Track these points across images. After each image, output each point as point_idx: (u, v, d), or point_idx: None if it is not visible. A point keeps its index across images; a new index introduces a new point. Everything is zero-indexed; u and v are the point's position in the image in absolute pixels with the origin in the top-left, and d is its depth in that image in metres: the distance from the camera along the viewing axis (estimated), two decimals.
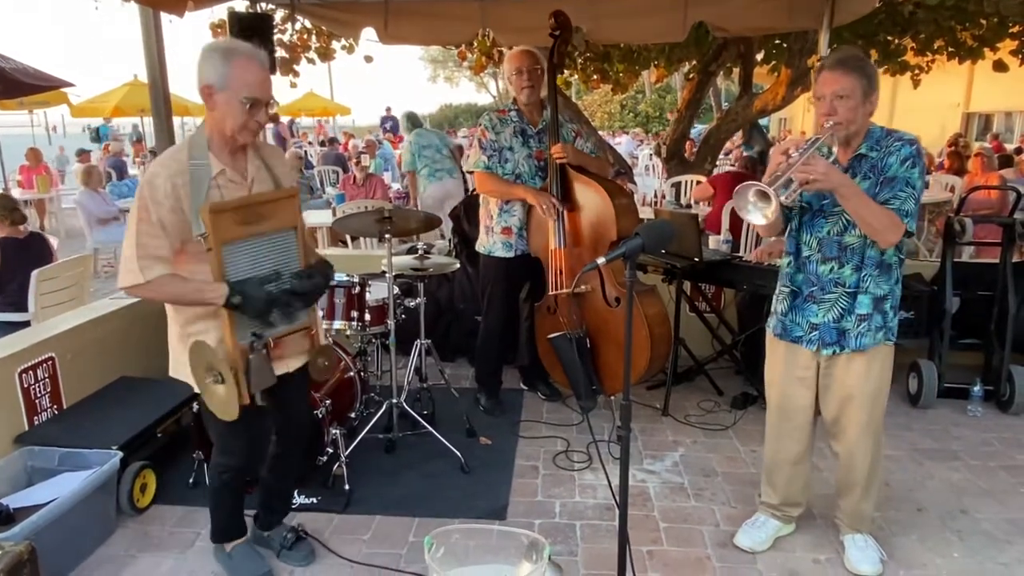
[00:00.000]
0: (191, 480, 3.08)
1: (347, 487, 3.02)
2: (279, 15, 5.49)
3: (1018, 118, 15.35)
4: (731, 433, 3.67)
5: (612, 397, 3.68)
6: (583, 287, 3.45)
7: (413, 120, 7.55)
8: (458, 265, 3.61)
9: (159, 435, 3.14)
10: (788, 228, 2.45)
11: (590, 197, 3.45)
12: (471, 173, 3.66)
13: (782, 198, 2.04)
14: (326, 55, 8.07)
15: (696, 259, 3.77)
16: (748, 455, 3.45)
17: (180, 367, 2.25)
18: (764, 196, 2.03)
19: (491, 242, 3.68)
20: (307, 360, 2.35)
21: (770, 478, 2.70)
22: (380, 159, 11.68)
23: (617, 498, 1.98)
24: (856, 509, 2.57)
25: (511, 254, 3.65)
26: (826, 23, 4.62)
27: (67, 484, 2.60)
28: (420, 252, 3.54)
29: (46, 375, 3.09)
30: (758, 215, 2.05)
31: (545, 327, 3.66)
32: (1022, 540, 2.74)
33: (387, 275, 3.25)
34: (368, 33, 4.91)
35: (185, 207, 2.04)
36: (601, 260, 1.81)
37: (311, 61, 8.19)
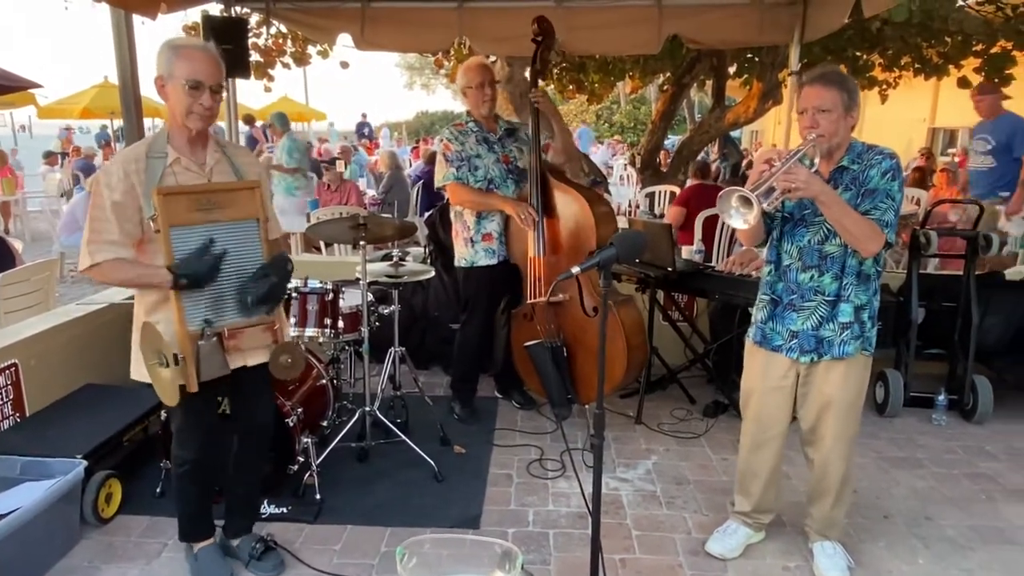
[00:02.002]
0: (158, 490, 3.02)
1: (318, 496, 2.99)
2: (254, 19, 5.45)
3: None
4: (703, 441, 3.70)
5: (587, 406, 3.70)
6: (561, 296, 3.47)
7: (284, 122, 8.00)
8: (433, 273, 3.59)
9: (125, 443, 3.08)
10: (769, 238, 2.49)
11: (569, 205, 3.47)
12: (442, 188, 3.66)
13: (764, 205, 2.09)
14: (301, 60, 8.04)
15: (669, 268, 3.81)
16: (720, 463, 3.48)
17: (140, 367, 2.28)
18: (747, 202, 2.07)
19: (473, 252, 3.66)
20: (269, 357, 2.34)
21: (744, 486, 2.72)
22: (356, 165, 11.63)
23: (590, 506, 1.98)
24: (827, 516, 2.61)
25: (495, 260, 3.65)
26: (796, 38, 4.73)
27: (29, 494, 2.53)
28: (395, 259, 3.52)
29: (8, 382, 3.02)
30: (740, 220, 2.09)
31: (522, 335, 3.66)
32: (984, 547, 2.80)
33: (361, 282, 3.22)
34: (344, 39, 4.90)
35: (139, 191, 2.14)
36: (576, 269, 1.83)
37: (286, 66, 8.15)
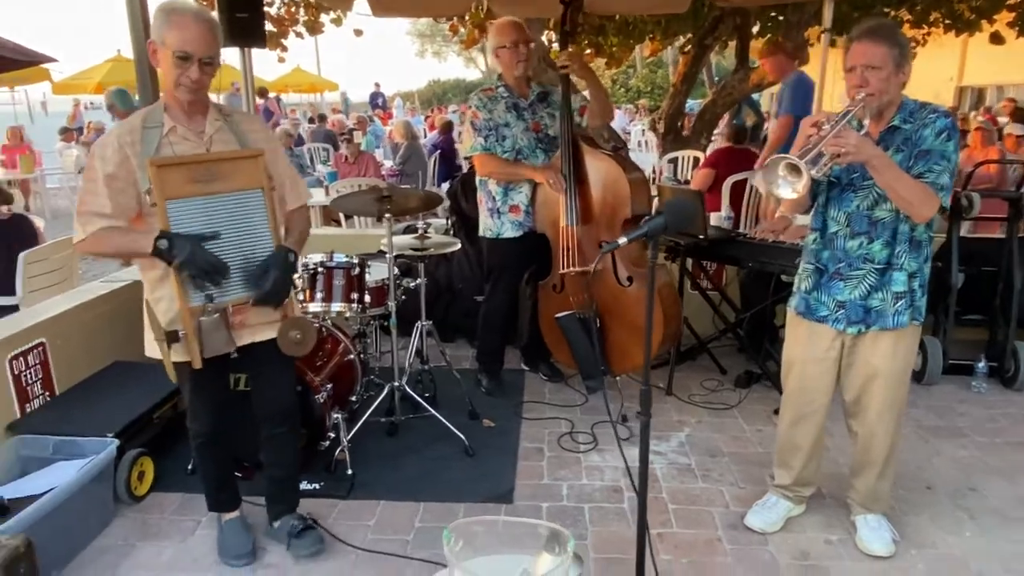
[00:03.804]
0: (189, 467, 3.00)
1: (350, 472, 2.97)
2: None
3: (1011, 92, 15.30)
4: (736, 412, 3.64)
5: (618, 378, 3.63)
6: (593, 265, 3.38)
7: (126, 100, 7.00)
8: (459, 245, 3.52)
9: (155, 421, 3.07)
10: (815, 204, 2.38)
11: (603, 173, 3.37)
12: (468, 159, 3.56)
13: (813, 172, 1.98)
14: (314, 28, 7.90)
15: (701, 236, 3.70)
16: (754, 434, 3.41)
17: (152, 345, 2.26)
18: (795, 170, 1.96)
19: (499, 224, 3.58)
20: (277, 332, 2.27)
21: (784, 459, 2.66)
22: (371, 136, 11.51)
23: (635, 483, 1.93)
24: (872, 489, 2.54)
25: (520, 233, 3.57)
26: None
27: (62, 473, 2.53)
28: (420, 232, 3.45)
29: (37, 361, 3.00)
30: (788, 189, 1.99)
31: (551, 306, 3.58)
32: None
33: (387, 256, 3.16)
34: (360, 6, 4.77)
35: (134, 163, 2.08)
36: (623, 240, 1.74)
37: (299, 35, 8.02)
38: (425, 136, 11.89)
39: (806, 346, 2.48)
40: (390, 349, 3.39)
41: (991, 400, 3.75)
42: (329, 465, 3.02)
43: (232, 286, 2.19)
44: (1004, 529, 2.66)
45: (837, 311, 2.38)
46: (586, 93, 3.59)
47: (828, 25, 4.62)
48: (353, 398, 3.37)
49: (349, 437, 3.05)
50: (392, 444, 3.29)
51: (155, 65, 2.17)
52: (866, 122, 2.25)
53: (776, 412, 3.58)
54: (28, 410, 2.95)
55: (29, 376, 2.96)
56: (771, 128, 5.30)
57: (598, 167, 3.41)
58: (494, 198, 3.59)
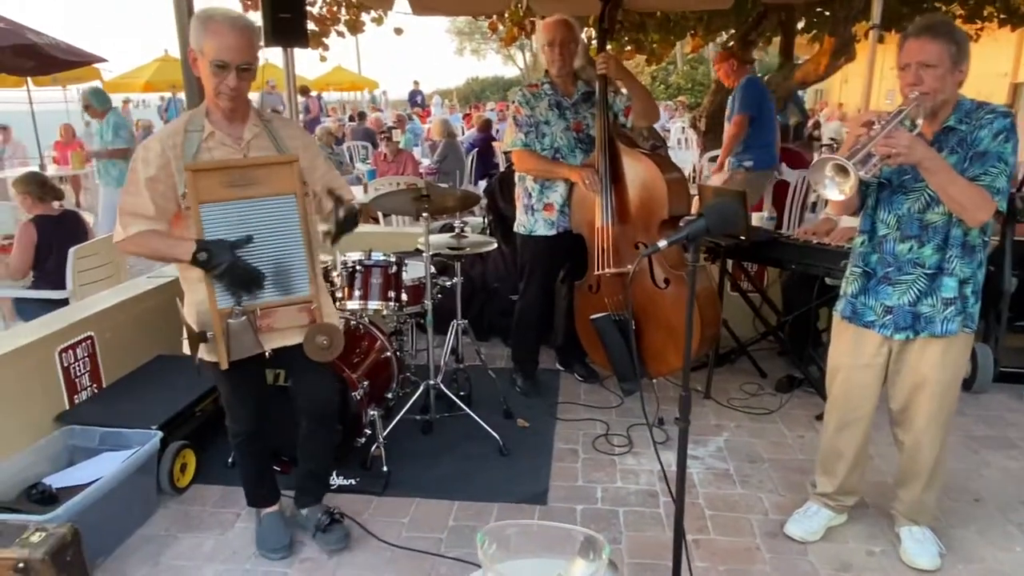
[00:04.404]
0: (230, 460, 3.06)
1: (385, 468, 2.99)
2: None
3: None
4: (776, 417, 3.56)
5: (655, 380, 3.59)
6: (629, 267, 3.34)
7: (103, 99, 6.81)
8: (495, 245, 3.51)
9: (197, 414, 3.13)
10: (864, 205, 2.31)
11: (640, 171, 3.33)
12: (508, 153, 3.55)
13: (861, 173, 1.92)
14: (355, 27, 7.96)
15: (742, 237, 3.63)
16: (795, 440, 3.34)
17: (186, 343, 2.32)
18: (842, 171, 1.91)
19: (532, 221, 3.57)
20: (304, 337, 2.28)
21: (827, 467, 2.59)
22: (410, 134, 11.58)
23: (672, 488, 1.90)
24: (917, 500, 2.47)
25: (554, 231, 3.55)
26: None
27: (108, 464, 2.60)
28: (457, 231, 3.45)
29: (86, 354, 3.09)
30: (835, 190, 1.93)
31: (587, 307, 3.56)
32: None
33: (424, 255, 3.17)
34: (400, 5, 4.79)
35: (174, 167, 2.13)
36: (663, 243, 1.71)
37: (340, 34, 8.10)
38: (463, 134, 11.93)
39: (852, 352, 2.42)
40: (425, 347, 3.41)
41: None
42: (365, 462, 3.05)
43: (263, 289, 2.22)
44: None
45: (884, 316, 2.31)
46: (626, 92, 3.55)
47: (877, 21, 4.49)
48: (389, 395, 3.39)
49: (384, 434, 3.07)
50: (427, 442, 3.31)
51: (195, 73, 2.19)
52: (919, 122, 2.18)
53: (819, 418, 3.52)
54: (76, 401, 3.04)
55: (78, 368, 3.05)
56: (727, 128, 5.45)
57: (635, 167, 3.37)
58: (530, 195, 3.58)
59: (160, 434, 2.75)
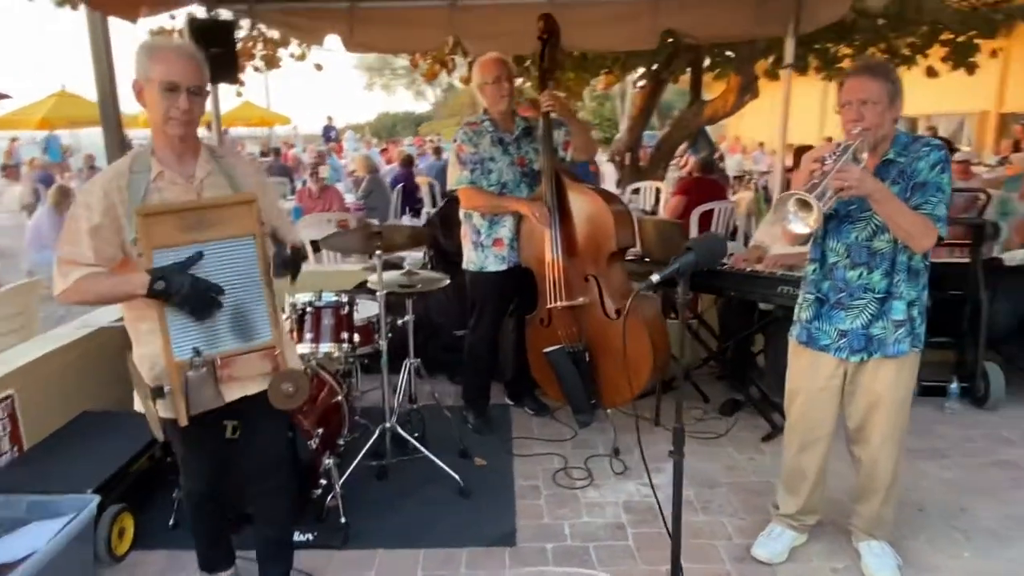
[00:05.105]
0: (171, 521, 2.85)
1: (343, 520, 2.85)
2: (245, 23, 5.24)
3: (941, 121, 16.15)
4: (726, 441, 3.65)
5: (609, 411, 3.62)
6: (581, 299, 3.37)
7: None
8: (448, 281, 3.47)
9: (133, 473, 2.90)
10: (813, 236, 2.43)
11: (586, 205, 3.39)
12: (454, 192, 3.55)
13: (821, 205, 2.02)
14: (271, 62, 7.82)
15: None
16: (747, 463, 3.43)
17: (139, 399, 2.13)
18: (805, 205, 2.00)
19: (483, 257, 3.56)
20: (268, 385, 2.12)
21: (791, 487, 2.67)
22: (332, 170, 11.38)
23: (668, 526, 1.90)
24: (876, 514, 2.57)
25: (504, 266, 3.55)
26: (791, 30, 4.71)
27: (41, 535, 2.35)
28: (407, 268, 3.39)
29: (5, 414, 2.82)
30: (800, 225, 2.02)
31: (539, 341, 3.55)
32: None
33: (379, 293, 3.09)
34: (332, 41, 4.74)
35: (120, 212, 1.98)
36: (655, 277, 1.73)
37: (257, 69, 7.93)
38: (383, 168, 11.82)
39: (809, 375, 2.51)
40: (372, 388, 3.30)
41: (965, 420, 3.86)
42: (320, 514, 2.90)
43: (221, 337, 2.06)
44: (1000, 548, 2.72)
45: (839, 340, 2.42)
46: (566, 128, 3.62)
47: (790, 60, 4.79)
48: (340, 442, 3.26)
49: (341, 483, 2.94)
50: (383, 488, 3.19)
51: (142, 105, 2.05)
52: (864, 156, 2.31)
53: (764, 440, 3.64)
54: None
55: None
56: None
57: (581, 200, 3.43)
58: (479, 231, 3.57)
59: (97, 498, 2.52)
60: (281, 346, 2.16)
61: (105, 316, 3.65)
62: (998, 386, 3.91)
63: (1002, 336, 4.07)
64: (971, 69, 8.29)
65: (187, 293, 1.93)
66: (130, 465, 2.88)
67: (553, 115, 3.40)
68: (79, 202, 2.00)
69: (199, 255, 1.99)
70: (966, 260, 4.08)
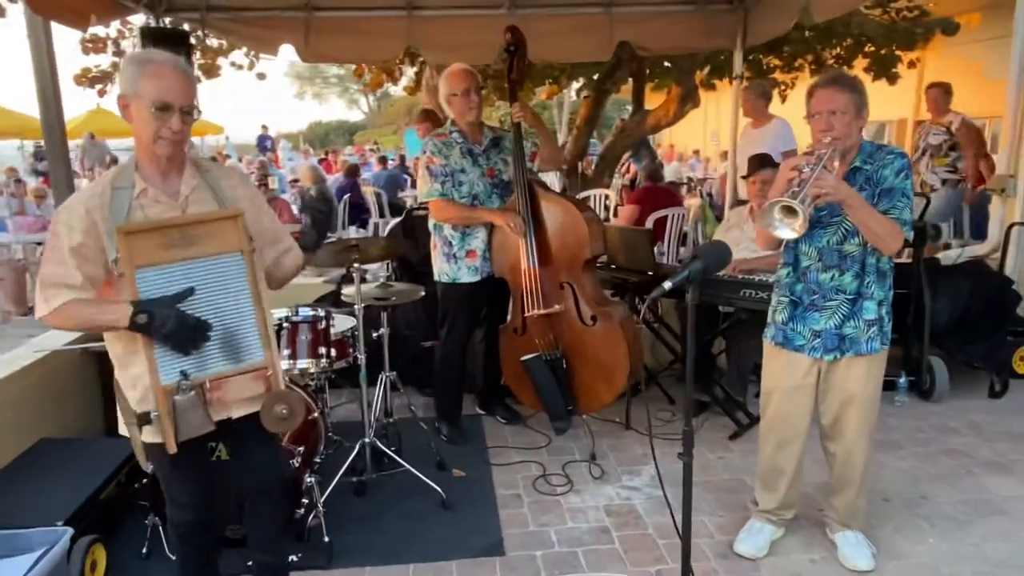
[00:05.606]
0: (144, 550, 2.73)
1: (327, 539, 2.79)
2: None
3: (870, 128, 17.09)
4: (695, 440, 3.73)
5: (584, 417, 3.66)
6: (557, 306, 3.41)
7: None
8: (423, 292, 3.45)
9: (102, 502, 2.77)
10: (784, 241, 2.53)
11: (559, 213, 3.43)
12: (425, 205, 3.54)
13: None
14: (210, 72, 7.61)
15: (650, 272, 3.83)
16: (717, 462, 3.53)
17: (124, 424, 2.06)
18: (790, 211, 2.09)
19: (456, 268, 3.55)
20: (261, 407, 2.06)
21: (769, 484, 2.76)
22: (277, 180, 11.12)
23: (679, 530, 1.95)
24: (851, 505, 2.69)
25: (478, 277, 3.55)
26: (739, 43, 4.90)
27: (12, 572, 2.22)
28: (383, 280, 3.37)
29: None
30: (787, 230, 2.12)
31: (515, 349, 3.57)
32: (981, 520, 2.97)
33: (356, 307, 3.05)
34: (287, 51, 4.66)
35: (101, 230, 1.90)
36: (668, 284, 1.78)
37: (196, 79, 7.70)
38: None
39: (784, 375, 2.62)
40: (339, 403, 3.25)
41: (913, 412, 4.07)
42: (302, 534, 2.83)
43: (210, 359, 1.99)
44: (961, 532, 2.89)
45: (813, 340, 2.53)
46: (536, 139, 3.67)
47: (739, 71, 4.98)
48: (317, 459, 3.20)
49: (323, 500, 2.88)
50: (364, 504, 3.14)
51: (127, 120, 1.98)
52: (835, 164, 2.44)
53: (731, 438, 3.76)
54: None
55: None
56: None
57: (554, 209, 3.48)
58: (450, 243, 3.57)
59: (70, 530, 2.40)
60: (274, 366, 2.11)
61: (58, 340, 3.46)
62: (943, 379, 4.15)
63: (942, 331, 4.32)
64: (892, 79, 8.79)
65: (171, 329, 1.86)
66: (99, 493, 2.75)
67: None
68: (59, 220, 1.92)
69: (190, 291, 1.92)
70: (908, 261, 4.32)
